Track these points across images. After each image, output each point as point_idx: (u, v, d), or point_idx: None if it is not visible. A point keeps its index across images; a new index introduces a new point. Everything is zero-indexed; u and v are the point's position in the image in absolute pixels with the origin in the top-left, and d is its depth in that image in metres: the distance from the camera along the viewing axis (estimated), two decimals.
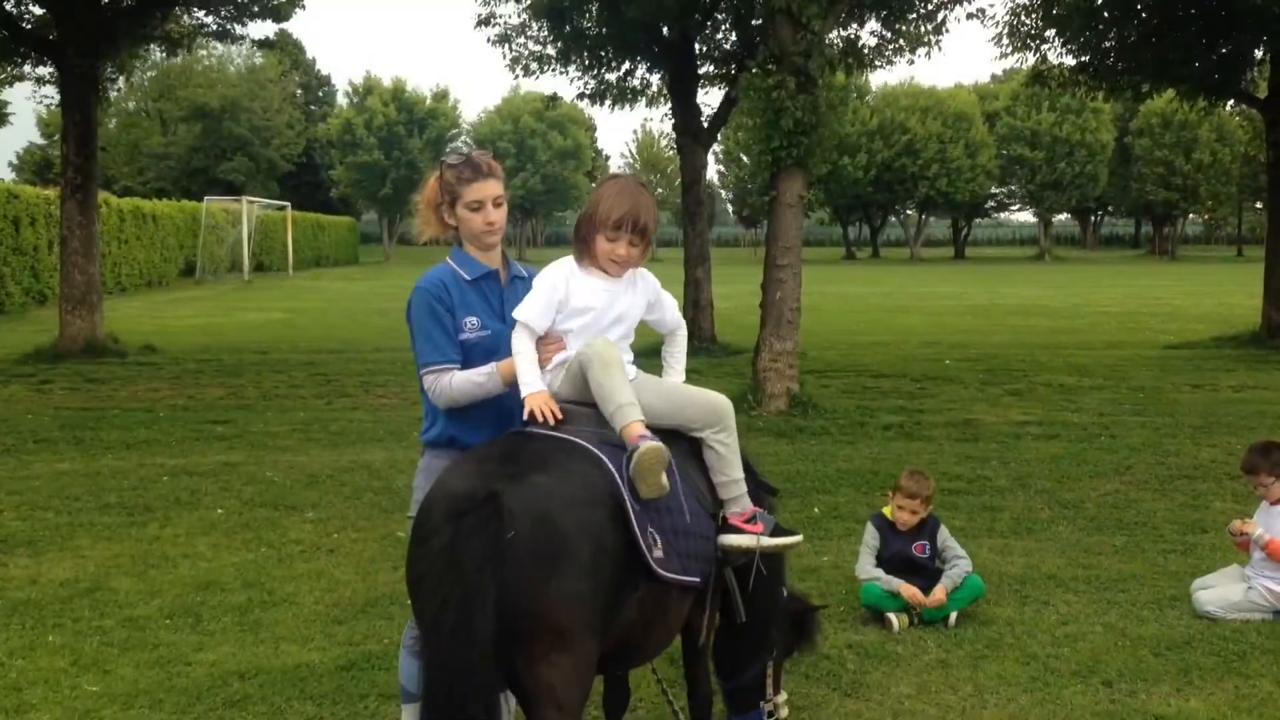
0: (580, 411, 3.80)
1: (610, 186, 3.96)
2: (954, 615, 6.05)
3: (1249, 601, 6.08)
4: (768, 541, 3.91)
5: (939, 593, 6.06)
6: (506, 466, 3.46)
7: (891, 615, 6.03)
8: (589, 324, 3.91)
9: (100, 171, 19.70)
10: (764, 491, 4.35)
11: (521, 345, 3.84)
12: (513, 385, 3.90)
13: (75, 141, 17.35)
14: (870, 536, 6.41)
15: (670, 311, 4.19)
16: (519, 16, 19.29)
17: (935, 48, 17.59)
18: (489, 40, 19.63)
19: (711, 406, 3.96)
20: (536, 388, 3.78)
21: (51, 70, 18.24)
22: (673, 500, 3.70)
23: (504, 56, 19.81)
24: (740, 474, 3.95)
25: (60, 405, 13.25)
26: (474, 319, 4.06)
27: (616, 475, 3.54)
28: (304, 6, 19.10)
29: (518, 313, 3.86)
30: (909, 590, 6.06)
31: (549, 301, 3.87)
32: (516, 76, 20.73)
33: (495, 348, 4.04)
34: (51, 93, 20.10)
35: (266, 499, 8.74)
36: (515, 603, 3.24)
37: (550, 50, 19.56)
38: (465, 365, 4.04)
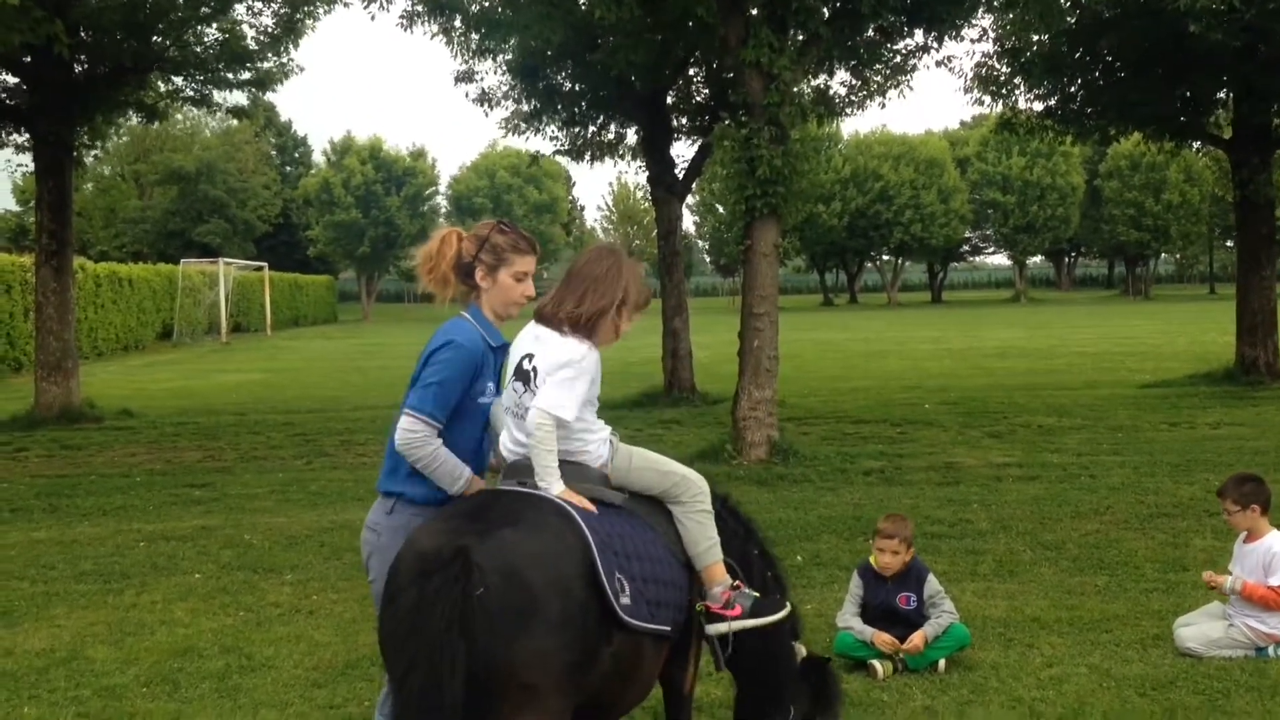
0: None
1: (629, 266, 4.02)
2: (942, 662, 6.02)
3: (1229, 639, 6.09)
4: (740, 625, 4.01)
5: (916, 638, 6.02)
6: (475, 523, 3.48)
7: (876, 663, 6.00)
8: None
9: (76, 236, 19.65)
10: (766, 565, 4.43)
11: (551, 442, 3.79)
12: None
13: (50, 208, 17.33)
14: (855, 585, 6.39)
15: None
16: (496, 73, 19.52)
17: (907, 87, 17.82)
18: (468, 97, 19.83)
19: (693, 479, 4.05)
20: (561, 486, 3.77)
21: (26, 138, 18.26)
22: (643, 548, 3.72)
23: (485, 115, 20.07)
24: (714, 533, 4.00)
25: (36, 473, 13.13)
26: (491, 384, 4.14)
27: (583, 525, 3.56)
28: (283, 82, 19.13)
29: (561, 411, 3.78)
30: (882, 639, 6.04)
31: (587, 395, 3.88)
32: (506, 134, 21.05)
33: (487, 416, 4.15)
34: (26, 160, 20.11)
35: (245, 562, 8.67)
36: (483, 661, 3.23)
37: (525, 107, 19.77)
38: (468, 430, 4.10)
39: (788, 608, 4.18)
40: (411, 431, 3.96)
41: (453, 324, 4.16)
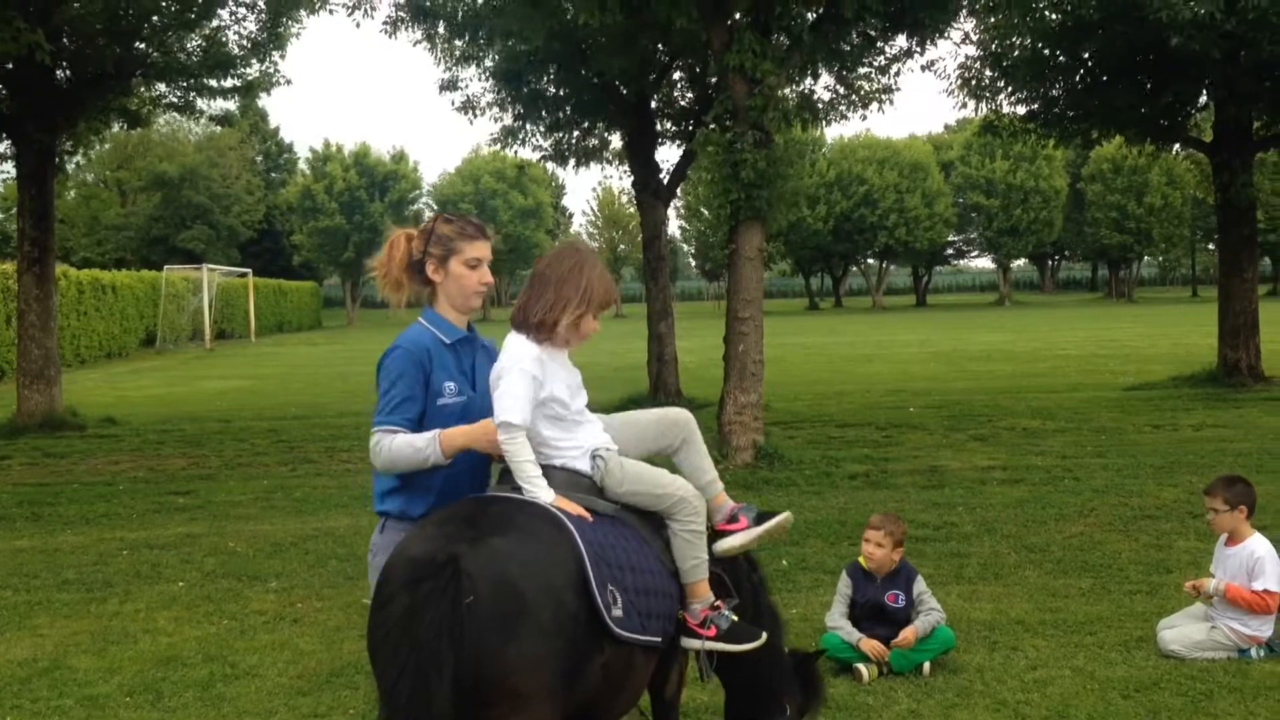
0: (548, 475, 3.81)
1: (591, 264, 3.90)
2: (927, 665, 6.04)
3: (1212, 641, 6.11)
4: (712, 646, 3.96)
5: (907, 633, 6.06)
6: (467, 529, 3.44)
7: (861, 666, 6.01)
8: (569, 407, 3.89)
9: (59, 244, 19.56)
10: (752, 569, 4.41)
11: (522, 451, 3.72)
12: (454, 457, 3.85)
13: (32, 215, 17.23)
14: (843, 585, 6.42)
15: None
16: (480, 79, 19.51)
17: (888, 102, 18.03)
18: (453, 105, 19.79)
19: (689, 498, 3.96)
20: (551, 494, 3.71)
21: (8, 145, 18.16)
22: (636, 559, 3.70)
23: (470, 123, 20.14)
24: (704, 552, 3.98)
25: (18, 481, 13.05)
26: (452, 384, 3.98)
27: (577, 536, 3.53)
28: (269, 92, 19.09)
29: (506, 415, 3.71)
30: (869, 645, 6.07)
31: (533, 397, 3.76)
32: (495, 146, 20.97)
33: (466, 413, 3.96)
34: (8, 168, 19.97)
35: (229, 570, 8.63)
36: (472, 668, 3.21)
37: (508, 115, 19.79)
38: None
39: (762, 638, 4.09)
40: (372, 448, 3.91)
41: (405, 331, 4.08)
